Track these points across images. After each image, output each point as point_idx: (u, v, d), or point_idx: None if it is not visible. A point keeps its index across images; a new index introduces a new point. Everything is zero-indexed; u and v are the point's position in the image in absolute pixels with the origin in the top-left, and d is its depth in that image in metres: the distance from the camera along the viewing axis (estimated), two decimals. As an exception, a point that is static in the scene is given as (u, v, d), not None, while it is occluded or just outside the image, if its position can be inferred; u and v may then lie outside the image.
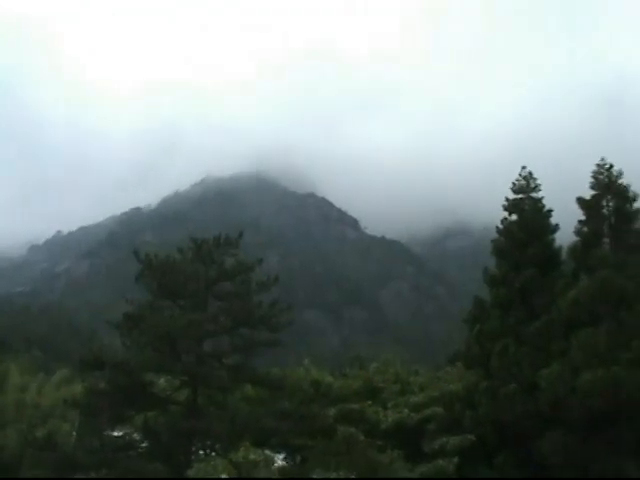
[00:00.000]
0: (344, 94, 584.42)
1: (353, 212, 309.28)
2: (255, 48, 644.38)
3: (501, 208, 40.50)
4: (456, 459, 31.89)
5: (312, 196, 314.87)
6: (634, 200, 36.73)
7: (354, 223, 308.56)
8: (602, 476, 32.88)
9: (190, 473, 24.42)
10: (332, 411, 36.61)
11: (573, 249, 37.09)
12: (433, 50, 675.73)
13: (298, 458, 35.15)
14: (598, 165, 37.34)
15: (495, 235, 40.47)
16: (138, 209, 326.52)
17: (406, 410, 37.39)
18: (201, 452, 32.31)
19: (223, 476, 23.01)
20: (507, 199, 40.29)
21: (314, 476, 26.78)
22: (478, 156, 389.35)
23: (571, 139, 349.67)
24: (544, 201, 39.89)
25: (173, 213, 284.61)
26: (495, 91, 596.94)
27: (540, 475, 34.63)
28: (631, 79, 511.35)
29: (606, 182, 36.95)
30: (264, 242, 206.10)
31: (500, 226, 40.37)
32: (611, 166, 37.10)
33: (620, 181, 36.88)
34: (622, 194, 36.73)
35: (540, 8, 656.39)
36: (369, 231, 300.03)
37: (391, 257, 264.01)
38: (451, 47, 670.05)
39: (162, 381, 35.10)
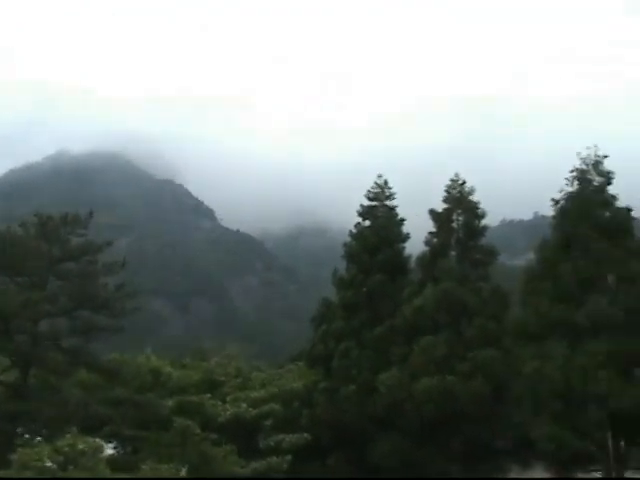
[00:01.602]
0: (219, 90, 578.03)
1: (210, 203, 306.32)
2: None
3: (357, 212, 41.17)
4: (290, 457, 31.96)
5: (170, 183, 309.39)
6: (482, 217, 38.16)
7: (210, 214, 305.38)
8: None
9: (13, 458, 23.24)
10: (169, 402, 35.93)
11: (421, 259, 38.10)
12: (305, 52, 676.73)
13: (129, 448, 34.25)
14: (452, 180, 38.56)
15: (348, 238, 41.05)
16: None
17: (245, 405, 37.16)
18: (27, 436, 30.94)
19: (47, 463, 22.04)
20: (362, 205, 40.96)
21: (143, 467, 26.09)
22: (344, 159, 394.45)
23: (438, 152, 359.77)
24: (399, 210, 40.88)
25: (23, 185, 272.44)
26: (369, 94, 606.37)
27: (371, 476, 35.33)
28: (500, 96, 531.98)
29: (458, 197, 38.19)
30: (116, 224, 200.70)
31: (353, 230, 40.97)
32: (464, 182, 38.39)
33: (471, 197, 38.20)
34: (472, 210, 38.07)
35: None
36: (224, 223, 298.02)
37: (244, 251, 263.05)
38: (323, 49, 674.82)
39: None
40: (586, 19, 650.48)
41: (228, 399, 38.39)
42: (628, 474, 32.98)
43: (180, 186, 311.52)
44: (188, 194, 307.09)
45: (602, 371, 29.69)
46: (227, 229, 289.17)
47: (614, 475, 31.83)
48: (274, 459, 31.62)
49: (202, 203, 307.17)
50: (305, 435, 34.22)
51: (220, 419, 35.92)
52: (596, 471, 33.83)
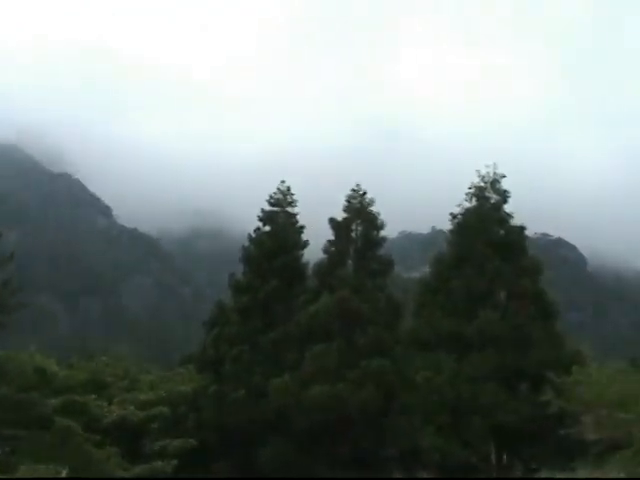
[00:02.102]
0: (130, 88, 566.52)
1: (108, 200, 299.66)
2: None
3: (257, 217, 40.96)
4: (175, 461, 31.40)
5: (65, 176, 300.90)
6: (381, 228, 38.57)
7: (107, 210, 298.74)
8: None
9: None
10: (53, 401, 34.77)
11: (319, 266, 38.17)
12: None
13: (7, 449, 32.92)
14: (353, 190, 38.82)
15: (247, 242, 40.78)
16: None
17: (132, 407, 36.37)
18: None
19: None
20: (263, 210, 40.77)
21: (22, 467, 25.11)
22: (246, 163, 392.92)
23: (348, 160, 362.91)
24: (300, 217, 40.87)
25: None
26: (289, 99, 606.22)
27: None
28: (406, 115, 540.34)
29: (358, 207, 38.47)
30: (5, 216, 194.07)
31: (253, 235, 40.73)
32: (364, 193, 38.70)
33: (371, 208, 38.56)
34: (371, 221, 38.42)
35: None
36: (121, 221, 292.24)
37: (139, 250, 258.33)
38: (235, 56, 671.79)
39: None
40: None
41: (115, 401, 37.51)
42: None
43: (77, 181, 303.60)
44: (84, 189, 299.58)
45: (488, 384, 30.44)
46: (123, 227, 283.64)
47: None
48: (159, 463, 30.98)
49: (99, 199, 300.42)
50: (191, 440, 33.70)
51: (105, 421, 35.03)
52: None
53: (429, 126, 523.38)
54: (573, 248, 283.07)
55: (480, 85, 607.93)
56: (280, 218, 40.62)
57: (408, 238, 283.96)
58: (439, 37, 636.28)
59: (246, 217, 53.91)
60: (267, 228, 40.56)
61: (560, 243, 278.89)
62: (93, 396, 36.83)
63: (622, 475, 24.30)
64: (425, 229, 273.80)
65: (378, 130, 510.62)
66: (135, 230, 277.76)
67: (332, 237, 38.33)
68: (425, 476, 34.36)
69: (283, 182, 41.21)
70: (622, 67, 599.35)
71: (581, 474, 26.07)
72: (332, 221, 38.47)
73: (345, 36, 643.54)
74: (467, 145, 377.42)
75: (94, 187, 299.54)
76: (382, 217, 38.70)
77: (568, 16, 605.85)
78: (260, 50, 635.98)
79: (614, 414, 24.59)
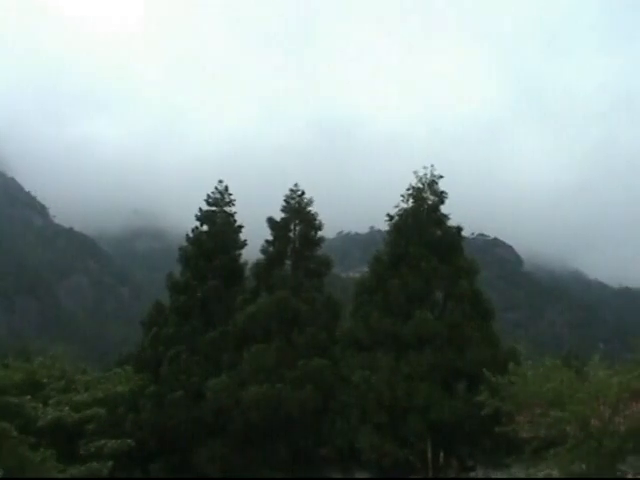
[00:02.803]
0: (67, 87, 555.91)
1: (44, 199, 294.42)
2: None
3: (195, 216, 40.74)
4: (111, 463, 31.03)
5: (1, 175, 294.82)
6: (319, 228, 38.71)
7: (43, 210, 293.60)
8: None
9: None
10: (-14, 403, 34.05)
11: (257, 266, 38.13)
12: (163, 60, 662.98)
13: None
14: (291, 190, 38.87)
15: (185, 242, 40.52)
16: None
17: (67, 408, 35.77)
18: None
19: None
20: (201, 209, 40.58)
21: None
22: (185, 162, 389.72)
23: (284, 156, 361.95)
24: (239, 217, 40.78)
25: None
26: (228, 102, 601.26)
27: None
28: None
29: (296, 207, 38.55)
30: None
31: (191, 234, 40.49)
32: (303, 193, 38.81)
33: (309, 208, 38.67)
34: (309, 221, 38.54)
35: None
36: (57, 220, 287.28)
37: (77, 250, 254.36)
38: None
39: None
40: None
41: (50, 402, 36.87)
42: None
43: (12, 179, 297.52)
44: (20, 188, 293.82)
45: (425, 383, 30.80)
46: (60, 227, 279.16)
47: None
48: (94, 464, 30.56)
49: (35, 198, 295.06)
50: (129, 441, 33.33)
51: (40, 422, 34.41)
52: (414, 480, 34.98)
53: (369, 127, 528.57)
54: (509, 248, 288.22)
55: (422, 87, 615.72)
56: (218, 218, 40.49)
57: (347, 238, 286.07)
58: (383, 38, 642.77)
59: (184, 217, 53.60)
60: (205, 228, 40.40)
61: (496, 243, 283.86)
62: (28, 397, 36.16)
63: (555, 472, 24.82)
64: (364, 229, 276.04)
65: (317, 131, 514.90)
66: (72, 230, 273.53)
67: (270, 237, 38.33)
68: (362, 476, 34.62)
69: (221, 182, 41.15)
70: (562, 69, 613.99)
71: (516, 472, 26.53)
72: (270, 221, 38.47)
73: (290, 35, 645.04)
74: (407, 146, 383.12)
75: (30, 186, 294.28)
76: (320, 217, 38.91)
77: (508, 16, 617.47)
78: (204, 49, 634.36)
79: (549, 412, 25.05)
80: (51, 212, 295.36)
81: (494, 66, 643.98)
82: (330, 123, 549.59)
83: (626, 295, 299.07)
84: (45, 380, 39.93)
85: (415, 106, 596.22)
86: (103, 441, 33.00)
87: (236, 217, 40.79)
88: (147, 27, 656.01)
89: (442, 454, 33.51)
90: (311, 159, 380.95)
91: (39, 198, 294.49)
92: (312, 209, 38.73)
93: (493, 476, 29.10)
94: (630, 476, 25.20)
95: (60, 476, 28.94)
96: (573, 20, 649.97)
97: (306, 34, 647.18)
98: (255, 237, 39.84)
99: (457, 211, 36.58)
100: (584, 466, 24.58)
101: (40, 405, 35.82)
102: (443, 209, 35.66)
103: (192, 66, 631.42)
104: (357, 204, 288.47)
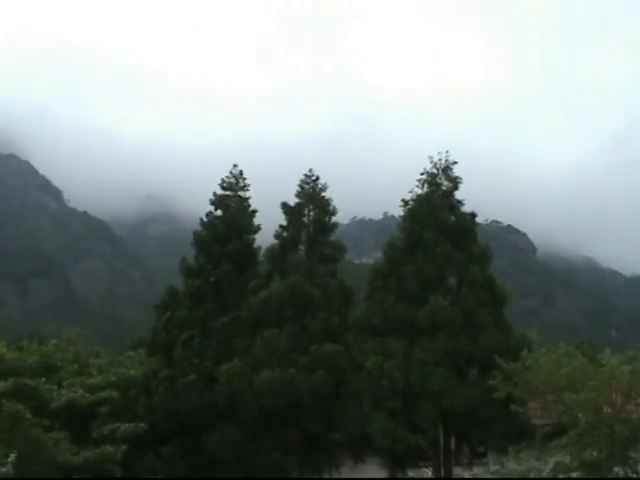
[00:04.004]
0: (84, 72, 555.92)
1: (58, 182, 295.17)
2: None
3: (210, 201, 40.74)
4: (125, 446, 31.23)
5: (14, 158, 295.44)
6: (333, 214, 38.62)
7: (57, 193, 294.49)
8: (265, 470, 34.12)
9: None
10: (2, 385, 34.30)
11: (270, 251, 38.11)
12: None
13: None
14: (306, 175, 38.78)
15: (199, 227, 40.55)
16: None
17: (81, 391, 36.05)
18: None
19: None
20: (215, 194, 40.55)
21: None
22: (200, 147, 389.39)
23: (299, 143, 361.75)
24: (254, 202, 40.74)
25: None
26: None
27: (206, 466, 35.09)
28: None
29: (310, 193, 38.46)
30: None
31: (204, 219, 40.50)
32: (317, 178, 38.70)
33: (323, 194, 38.58)
34: (323, 207, 38.44)
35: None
36: (72, 204, 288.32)
37: (90, 234, 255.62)
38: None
39: None
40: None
41: (64, 384, 37.14)
42: (457, 470, 34.36)
43: (26, 162, 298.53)
44: (34, 172, 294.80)
45: (438, 369, 30.75)
46: (74, 210, 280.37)
47: (443, 470, 33.06)
48: (108, 448, 30.79)
49: (49, 182, 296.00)
50: (141, 424, 33.54)
51: (54, 405, 34.68)
52: (427, 467, 35.03)
53: (384, 113, 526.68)
54: (523, 235, 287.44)
55: (441, 74, 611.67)
56: (232, 202, 40.45)
57: (360, 224, 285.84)
58: (403, 27, 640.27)
59: (198, 202, 53.56)
60: (219, 212, 40.37)
61: (510, 230, 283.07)
62: (42, 380, 36.43)
63: (566, 459, 24.78)
64: (377, 215, 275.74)
65: (333, 117, 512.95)
66: (86, 214, 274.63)
67: (284, 222, 38.28)
68: (374, 461, 34.68)
69: (235, 166, 41.06)
70: (585, 56, 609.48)
71: (528, 457, 26.48)
72: (284, 206, 38.40)
73: (309, 27, 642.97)
74: (422, 132, 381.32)
75: (45, 170, 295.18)
76: (334, 203, 38.80)
77: (538, 12, 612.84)
78: (228, 35, 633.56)
79: (561, 398, 25.00)
80: (65, 196, 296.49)
81: (518, 52, 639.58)
82: (351, 109, 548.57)
83: (639, 283, 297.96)
84: (59, 363, 40.27)
85: (435, 91, 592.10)
86: (116, 424, 33.29)
87: (251, 202, 40.75)
88: (172, 14, 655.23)
89: (454, 440, 33.54)
90: (329, 145, 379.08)
91: (54, 182, 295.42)
92: (326, 194, 38.67)
93: (505, 462, 29.00)
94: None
95: (73, 459, 29.14)
96: (601, 8, 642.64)
97: (331, 18, 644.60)
98: (270, 222, 39.78)
99: (472, 197, 36.39)
100: (595, 453, 24.54)
101: (54, 388, 36.13)
102: (457, 195, 35.48)
103: (215, 52, 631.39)
104: (371, 190, 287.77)
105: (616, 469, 24.80)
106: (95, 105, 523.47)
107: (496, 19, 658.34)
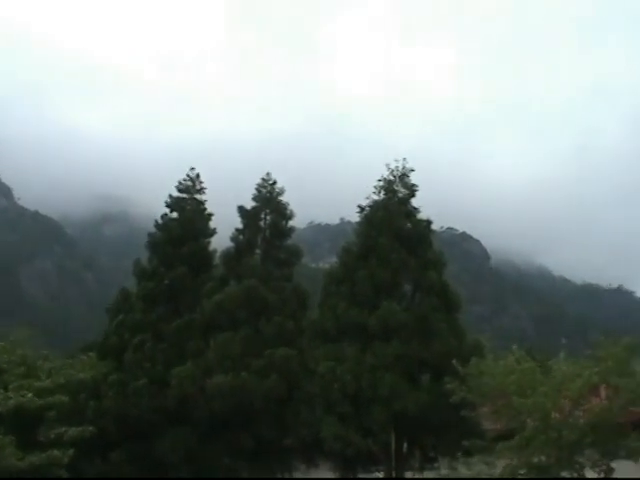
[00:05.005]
0: (37, 70, 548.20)
1: (8, 180, 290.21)
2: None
3: (165, 203, 40.44)
4: (72, 450, 30.73)
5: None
6: (290, 218, 38.61)
7: (7, 191, 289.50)
8: (214, 475, 33.88)
9: None
10: (-55, 388, 33.54)
11: (226, 255, 37.94)
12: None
13: None
14: (263, 179, 38.71)
15: (154, 229, 40.19)
16: None
17: (30, 395, 35.37)
18: None
19: None
20: (171, 196, 40.28)
21: None
22: (157, 149, 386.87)
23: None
24: (211, 204, 40.56)
25: None
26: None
27: (156, 471, 34.73)
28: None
29: (267, 197, 38.39)
30: None
31: (160, 221, 40.17)
32: (274, 182, 38.65)
33: (280, 198, 38.53)
34: (280, 210, 38.40)
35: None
36: (22, 203, 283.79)
37: (41, 234, 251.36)
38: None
39: None
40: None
41: (10, 387, 36.42)
42: (408, 474, 34.49)
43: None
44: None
45: (389, 374, 30.86)
46: (25, 209, 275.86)
47: (394, 474, 33.15)
48: (54, 452, 30.25)
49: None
50: (90, 428, 33.03)
51: (1, 409, 33.98)
52: (379, 471, 35.10)
53: (349, 119, 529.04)
54: (477, 243, 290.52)
55: (408, 83, 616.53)
56: (188, 205, 40.21)
57: (317, 229, 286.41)
58: (372, 33, 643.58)
59: (154, 203, 53.17)
60: (175, 215, 40.09)
61: (465, 237, 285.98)
62: (-13, 383, 35.67)
63: (515, 462, 25.09)
64: (334, 220, 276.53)
65: (297, 121, 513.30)
66: (37, 213, 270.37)
67: (241, 226, 38.13)
68: (326, 467, 34.65)
69: (193, 169, 40.86)
70: (540, 73, 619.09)
71: (477, 462, 26.74)
72: (241, 209, 38.26)
73: (278, 27, 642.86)
74: (384, 140, 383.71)
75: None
76: (291, 207, 38.79)
77: (492, 16, 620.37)
78: (192, 39, 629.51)
79: (511, 403, 25.33)
80: (16, 194, 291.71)
81: (485, 65, 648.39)
82: (317, 113, 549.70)
83: (589, 291, 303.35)
84: (5, 365, 39.41)
85: (395, 100, 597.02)
86: (64, 428, 32.66)
87: (208, 205, 40.58)
88: (132, 12, 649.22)
89: (405, 444, 33.67)
90: (289, 149, 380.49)
91: (3, 179, 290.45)
92: (283, 198, 38.64)
93: (456, 466, 29.25)
94: (588, 469, 25.58)
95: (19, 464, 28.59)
96: (553, 19, 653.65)
97: (301, 19, 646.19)
98: (227, 226, 39.57)
99: (429, 205, 36.70)
100: (543, 457, 24.92)
101: (0, 391, 35.38)
102: (414, 202, 35.72)
103: (177, 51, 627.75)
104: (329, 195, 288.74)
105: (563, 473, 25.24)
106: (51, 104, 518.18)
107: (466, 31, 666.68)
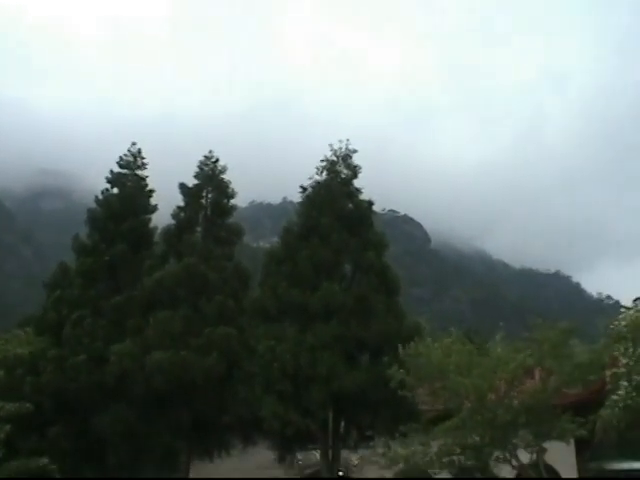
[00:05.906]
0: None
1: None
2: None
3: (106, 178, 39.97)
4: (8, 427, 30.39)
5: None
6: (232, 196, 38.54)
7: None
8: (154, 451, 33.91)
9: None
10: None
11: (166, 232, 37.77)
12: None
13: None
14: (205, 157, 38.55)
15: (94, 204, 39.72)
16: None
17: (-35, 370, 34.84)
18: None
19: None
20: (112, 171, 39.83)
21: None
22: (100, 124, 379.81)
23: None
24: (155, 181, 40.21)
25: None
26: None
27: (94, 447, 34.59)
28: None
29: (210, 174, 38.25)
30: None
31: (100, 196, 39.71)
32: (217, 160, 38.51)
33: (223, 176, 38.41)
34: (222, 189, 38.31)
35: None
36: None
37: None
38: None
39: None
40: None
41: (-57, 362, 35.83)
42: (344, 453, 35.00)
43: None
44: None
45: (327, 353, 31.19)
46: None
47: (331, 453, 33.59)
48: (-10, 427, 29.88)
49: None
50: (27, 404, 32.68)
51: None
52: (315, 449, 35.55)
53: (299, 99, 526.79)
54: (418, 225, 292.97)
55: (360, 67, 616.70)
56: (129, 181, 39.81)
57: (259, 208, 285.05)
58: (326, 16, 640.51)
59: (94, 178, 52.49)
60: (115, 190, 39.66)
61: (406, 220, 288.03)
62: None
63: (449, 442, 25.65)
64: (276, 200, 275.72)
65: (245, 99, 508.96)
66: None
67: (182, 203, 37.95)
68: (264, 446, 34.93)
69: (134, 144, 40.42)
70: (488, 58, 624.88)
71: (413, 441, 27.24)
72: (182, 187, 38.07)
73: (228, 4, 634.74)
74: (332, 121, 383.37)
75: None
76: (234, 185, 38.72)
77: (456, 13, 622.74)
78: (139, 13, 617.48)
79: (448, 385, 25.83)
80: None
81: (437, 52, 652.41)
82: (266, 92, 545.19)
83: (527, 275, 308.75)
84: (-60, 341, 38.72)
85: (353, 83, 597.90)
86: (0, 404, 32.28)
87: (152, 183, 40.21)
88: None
89: (343, 423, 34.11)
90: (234, 127, 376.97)
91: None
92: (225, 177, 38.52)
93: (391, 445, 29.76)
94: (521, 449, 26.27)
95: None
96: (501, 4, 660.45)
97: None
98: (169, 204, 39.30)
99: (371, 186, 36.97)
100: (478, 437, 25.51)
101: None
102: (356, 183, 35.96)
103: (125, 27, 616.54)
104: (272, 174, 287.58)
105: (496, 453, 25.90)
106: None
107: (418, 15, 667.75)
